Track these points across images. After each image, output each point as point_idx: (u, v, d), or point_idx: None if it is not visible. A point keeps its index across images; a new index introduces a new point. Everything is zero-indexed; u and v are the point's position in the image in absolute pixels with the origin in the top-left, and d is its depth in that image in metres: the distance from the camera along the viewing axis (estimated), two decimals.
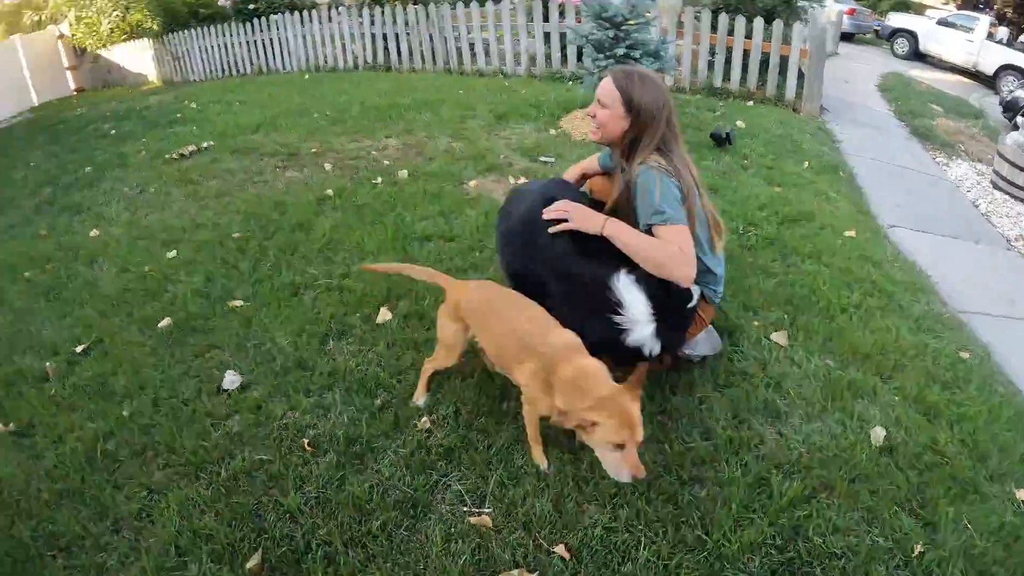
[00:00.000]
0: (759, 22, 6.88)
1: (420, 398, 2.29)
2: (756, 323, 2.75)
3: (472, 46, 8.75)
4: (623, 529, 1.83)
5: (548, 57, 8.26)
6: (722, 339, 2.60)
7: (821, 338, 2.68)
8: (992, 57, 13.95)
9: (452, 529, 1.84)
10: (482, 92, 7.12)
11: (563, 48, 8.02)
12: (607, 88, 2.18)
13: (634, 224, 2.09)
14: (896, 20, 16.71)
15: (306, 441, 2.17)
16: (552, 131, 5.55)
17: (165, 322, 2.95)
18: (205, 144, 5.79)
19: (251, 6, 11.00)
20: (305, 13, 10.06)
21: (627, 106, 2.14)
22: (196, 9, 12.30)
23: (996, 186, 6.60)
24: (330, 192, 4.22)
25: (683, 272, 1.98)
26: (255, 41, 10.67)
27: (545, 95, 6.73)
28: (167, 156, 5.58)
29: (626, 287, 1.98)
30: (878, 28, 17.40)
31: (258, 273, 3.28)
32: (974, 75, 14.38)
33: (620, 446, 1.65)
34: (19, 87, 12.81)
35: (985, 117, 10.08)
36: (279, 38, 10.41)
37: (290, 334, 2.75)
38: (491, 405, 2.28)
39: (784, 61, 6.96)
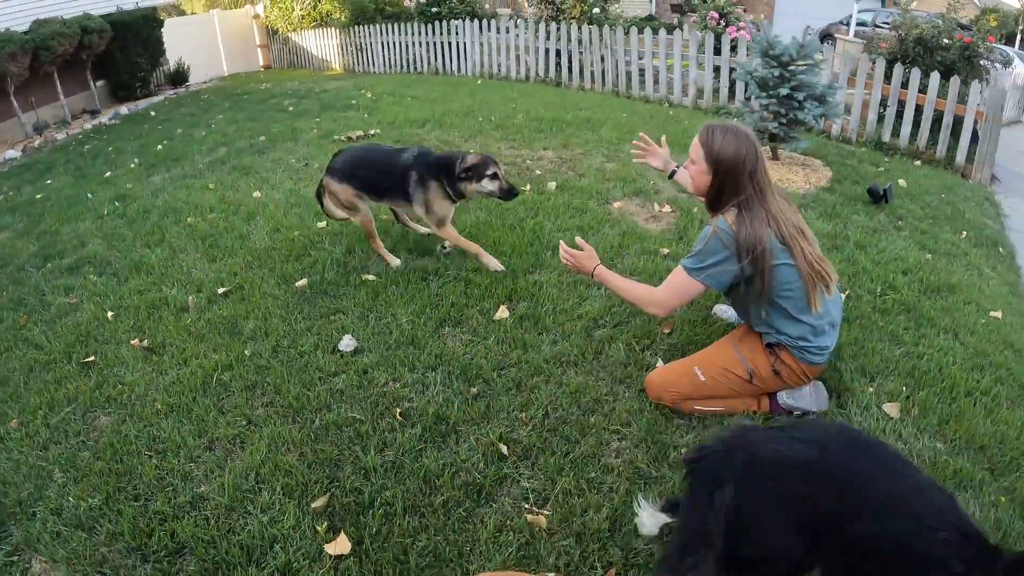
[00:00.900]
0: (935, 77, 6.23)
1: None
2: (870, 389, 2.47)
3: (642, 72, 8.64)
4: None
5: (716, 91, 7.97)
6: (831, 399, 2.38)
7: (937, 419, 2.38)
8: None
9: (508, 521, 1.85)
10: (645, 118, 6.99)
11: (731, 83, 7.69)
12: (695, 143, 2.22)
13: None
14: None
15: (399, 411, 2.26)
16: None
17: (302, 282, 3.12)
18: (372, 131, 6.13)
19: (434, 9, 11.56)
20: (484, 21, 10.44)
21: (709, 161, 2.16)
22: (383, 6, 13.09)
23: None
24: None
25: (650, 311, 2.32)
26: (435, 43, 11.20)
27: None
28: (336, 137, 5.98)
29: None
30: None
31: (395, 254, 3.36)
32: None
33: None
34: (213, 57, 14.48)
35: None
36: (457, 42, 10.85)
37: (411, 313, 2.82)
38: (579, 416, 2.26)
39: (958, 122, 6.27)
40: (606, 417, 2.23)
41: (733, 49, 7.72)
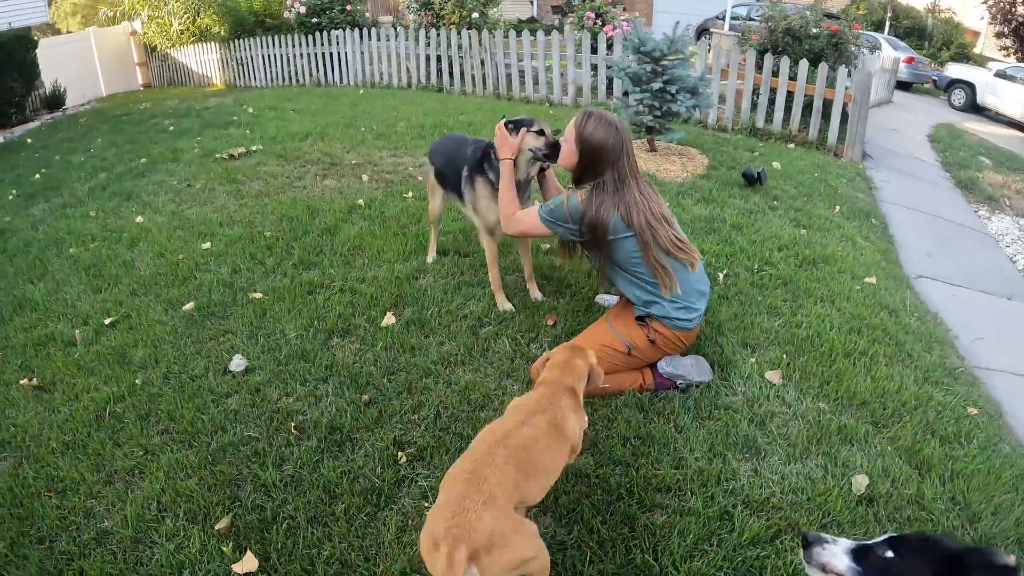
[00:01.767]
0: (804, 64, 6.85)
1: None
2: (752, 360, 2.71)
3: (522, 73, 8.96)
4: (573, 545, 1.86)
5: (595, 88, 8.40)
6: (714, 373, 2.60)
7: (818, 381, 2.62)
8: None
9: (410, 521, 1.93)
10: None
11: (609, 80, 8.13)
12: (570, 124, 2.53)
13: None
14: (954, 71, 16.20)
15: (293, 425, 2.34)
16: None
17: (189, 305, 3.18)
18: (254, 147, 6.10)
19: (314, 20, 11.46)
20: (365, 30, 10.46)
21: (577, 143, 2.47)
22: (262, 18, 12.83)
23: None
24: (361, 202, 4.42)
25: (504, 223, 2.71)
26: (316, 54, 11.11)
27: None
28: (217, 155, 5.91)
29: None
30: (936, 78, 16.92)
31: (281, 270, 3.47)
32: None
33: None
34: (90, 77, 13.74)
35: None
36: (339, 52, 10.82)
37: (299, 328, 2.92)
38: (470, 413, 2.38)
39: (828, 105, 6.91)
40: (496, 412, 2.32)
41: (610, 47, 8.10)
